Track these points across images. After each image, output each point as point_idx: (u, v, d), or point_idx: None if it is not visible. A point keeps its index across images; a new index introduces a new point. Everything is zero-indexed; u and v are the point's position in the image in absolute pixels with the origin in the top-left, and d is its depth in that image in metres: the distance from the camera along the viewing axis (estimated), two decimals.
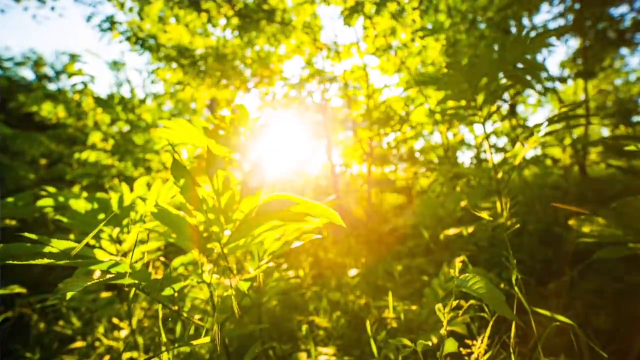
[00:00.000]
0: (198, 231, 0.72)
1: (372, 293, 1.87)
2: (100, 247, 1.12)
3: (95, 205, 0.99)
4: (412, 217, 2.05)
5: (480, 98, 1.29)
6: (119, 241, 1.20)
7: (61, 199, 1.12)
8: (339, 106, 4.93)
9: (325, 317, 1.64)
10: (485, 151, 3.25)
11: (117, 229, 1.10)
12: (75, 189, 3.71)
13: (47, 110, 3.40)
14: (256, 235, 0.72)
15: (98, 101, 3.70)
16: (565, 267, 1.68)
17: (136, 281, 0.65)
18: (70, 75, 3.49)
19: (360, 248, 2.61)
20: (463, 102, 1.41)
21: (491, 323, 0.73)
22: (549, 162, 4.33)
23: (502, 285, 1.17)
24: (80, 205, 1.07)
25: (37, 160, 4.32)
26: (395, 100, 3.54)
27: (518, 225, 0.89)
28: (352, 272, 2.03)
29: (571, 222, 1.08)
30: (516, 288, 0.73)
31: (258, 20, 3.94)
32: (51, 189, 1.07)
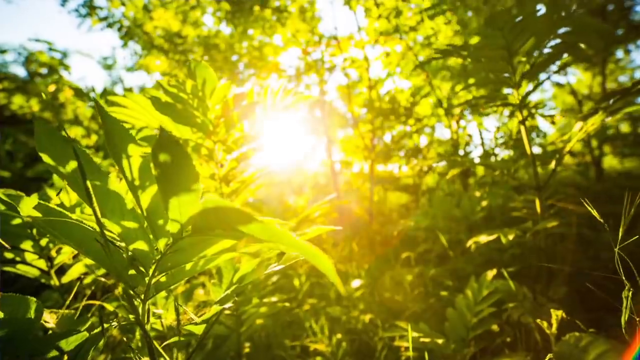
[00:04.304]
0: (116, 249, 0.45)
1: (378, 308, 1.60)
2: (25, 262, 0.84)
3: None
4: (424, 219, 1.78)
5: (520, 69, 1.02)
6: (57, 252, 0.92)
7: None
8: (338, 100, 4.66)
9: (323, 339, 1.37)
10: (497, 146, 2.98)
11: (47, 238, 0.83)
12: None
13: (18, 103, 3.11)
14: (209, 257, 0.45)
15: (77, 93, 3.42)
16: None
17: None
18: (41, 65, 3.21)
19: (363, 253, 2.34)
20: (493, 77, 1.14)
21: None
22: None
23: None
24: None
25: (14, 157, 4.03)
26: (399, 91, 3.27)
27: (563, 230, 0.63)
28: (355, 282, 1.76)
29: None
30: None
31: (251, 7, 3.66)
32: None
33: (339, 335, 1.33)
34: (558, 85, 6.06)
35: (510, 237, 0.92)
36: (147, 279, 0.45)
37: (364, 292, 1.74)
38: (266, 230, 0.29)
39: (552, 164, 0.93)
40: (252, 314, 0.84)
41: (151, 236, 0.43)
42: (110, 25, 3.47)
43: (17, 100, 3.05)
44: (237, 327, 0.86)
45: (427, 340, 0.90)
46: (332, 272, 0.29)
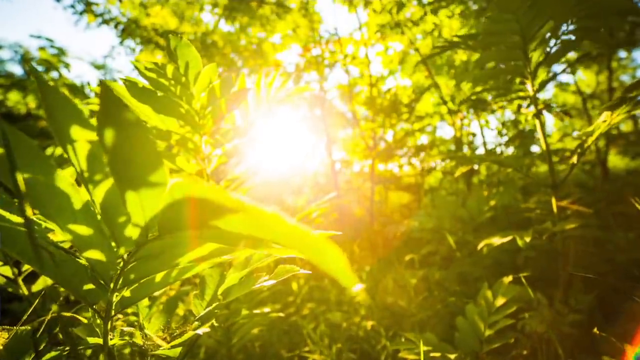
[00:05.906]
0: (71, 258, 0.37)
1: (380, 313, 1.52)
2: None
3: None
4: (429, 219, 1.70)
5: (536, 57, 0.94)
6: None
7: None
8: (339, 99, 4.59)
9: (322, 348, 1.29)
10: (503, 144, 2.90)
11: None
12: None
13: (14, 100, 3.04)
14: (185, 266, 0.37)
15: (73, 89, 3.34)
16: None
17: None
18: (39, 62, 3.13)
19: (365, 254, 2.26)
20: (505, 67, 1.06)
21: None
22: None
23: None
24: None
25: None
26: (401, 89, 3.19)
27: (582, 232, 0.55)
28: (357, 287, 1.67)
29: None
30: None
31: (249, 2, 3.59)
32: None
33: (339, 345, 1.25)
34: (560, 84, 5.99)
35: (528, 239, 0.84)
36: (108, 293, 0.37)
37: (365, 295, 1.66)
38: (254, 218, 0.21)
39: (574, 159, 0.85)
40: (243, 324, 0.76)
41: (113, 243, 0.35)
42: (106, 22, 3.39)
43: (13, 97, 2.97)
44: (226, 341, 0.78)
45: (437, 355, 0.82)
46: (346, 271, 0.21)
